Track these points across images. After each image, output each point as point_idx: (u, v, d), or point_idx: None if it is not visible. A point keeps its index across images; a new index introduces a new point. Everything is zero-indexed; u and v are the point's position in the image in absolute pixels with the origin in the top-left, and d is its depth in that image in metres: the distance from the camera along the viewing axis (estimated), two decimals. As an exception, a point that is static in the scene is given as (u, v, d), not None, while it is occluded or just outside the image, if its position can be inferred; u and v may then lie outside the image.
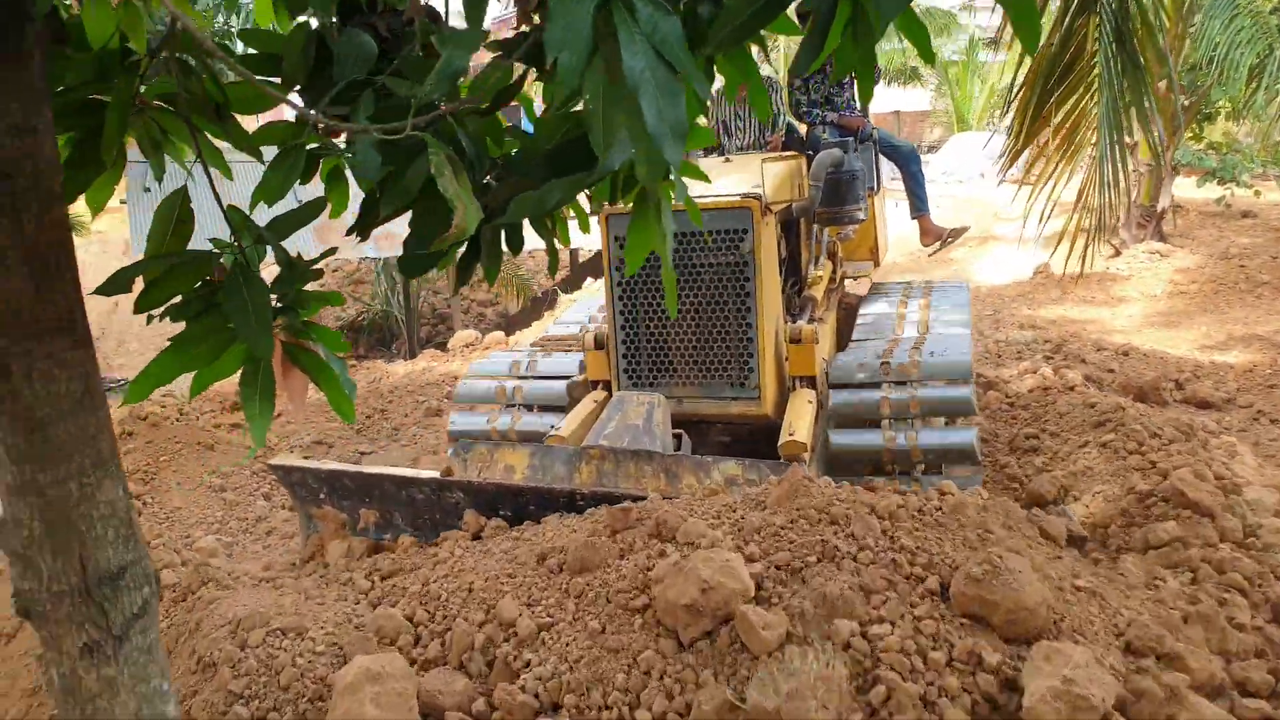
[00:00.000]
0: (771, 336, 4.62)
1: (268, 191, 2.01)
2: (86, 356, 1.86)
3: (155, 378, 1.91)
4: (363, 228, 1.98)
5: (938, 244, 6.58)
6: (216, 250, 1.99)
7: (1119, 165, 5.02)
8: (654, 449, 4.07)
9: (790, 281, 5.34)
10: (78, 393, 1.82)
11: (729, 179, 4.82)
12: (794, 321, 4.95)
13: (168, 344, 1.99)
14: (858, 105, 6.49)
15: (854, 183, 5.45)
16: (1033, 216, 5.51)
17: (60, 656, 1.88)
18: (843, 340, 5.76)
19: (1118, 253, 11.84)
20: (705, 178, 2.05)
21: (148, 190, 9.46)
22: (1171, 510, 3.59)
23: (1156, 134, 5.39)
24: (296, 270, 2.08)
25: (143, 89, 2.03)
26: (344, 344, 2.22)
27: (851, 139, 5.79)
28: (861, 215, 5.60)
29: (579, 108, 1.84)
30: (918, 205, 6.71)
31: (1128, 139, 12.02)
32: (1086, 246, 5.47)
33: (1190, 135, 12.73)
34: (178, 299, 1.98)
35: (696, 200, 4.28)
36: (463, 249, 2.03)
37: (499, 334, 10.26)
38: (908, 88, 24.45)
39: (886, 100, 27.13)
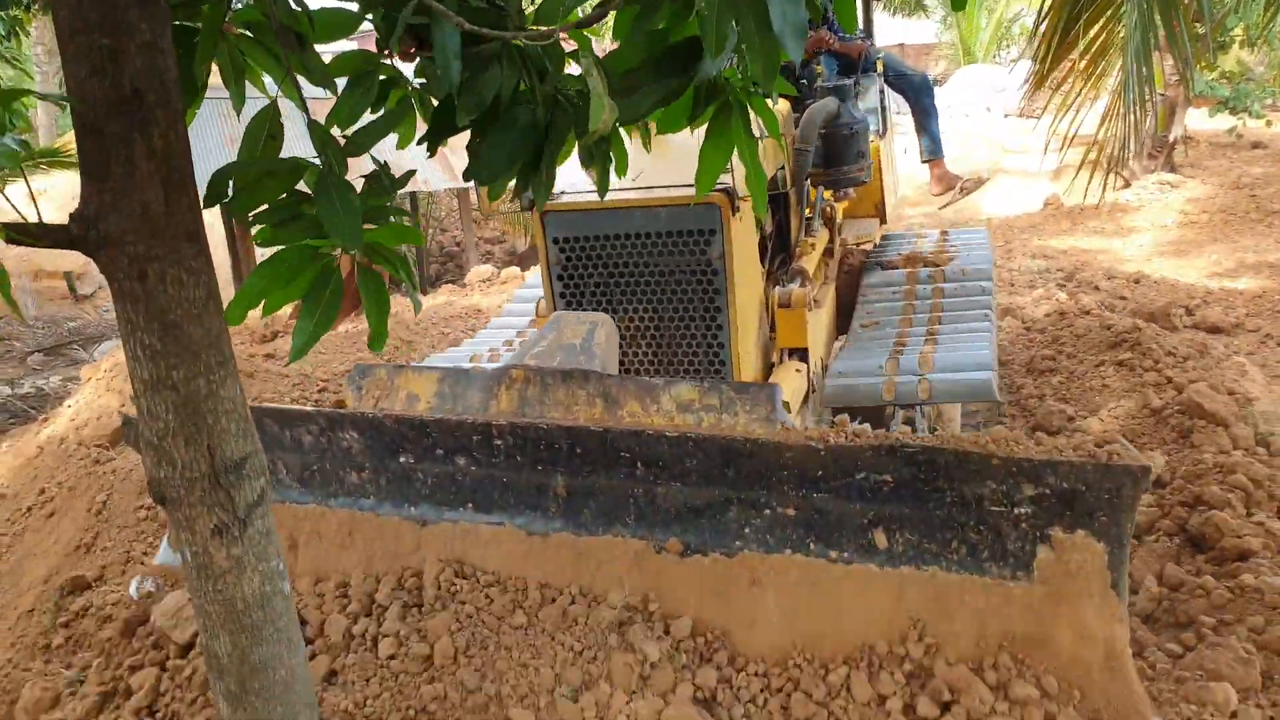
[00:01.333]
0: (749, 351, 3.87)
1: (340, 116, 2.14)
2: (208, 264, 2.01)
3: (248, 299, 2.05)
4: (434, 139, 2.12)
5: (950, 195, 5.89)
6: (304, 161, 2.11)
7: (1144, 92, 4.96)
8: (590, 369, 3.27)
9: (778, 259, 4.54)
10: (203, 297, 1.98)
11: (686, 163, 3.14)
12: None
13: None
14: (860, 27, 5.51)
15: (853, 138, 4.55)
16: (1043, 149, 5.36)
17: (193, 537, 2.08)
18: (844, 312, 5.02)
19: (1127, 184, 11.92)
20: (795, 91, 2.04)
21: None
22: (1188, 421, 3.79)
23: (1185, 60, 5.25)
24: (383, 180, 2.21)
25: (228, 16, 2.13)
26: (410, 272, 2.35)
27: (850, 82, 4.74)
28: (864, 177, 4.75)
29: (662, 27, 1.97)
30: (930, 147, 5.88)
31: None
32: (1109, 173, 5.39)
33: (1203, 64, 12.67)
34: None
35: (652, 194, 3.69)
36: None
37: (515, 269, 10.38)
38: (912, 18, 24.01)
39: (890, 32, 26.73)
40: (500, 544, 2.91)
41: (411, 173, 2.27)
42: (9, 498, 4.72)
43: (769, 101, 1.99)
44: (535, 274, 5.98)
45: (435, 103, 2.13)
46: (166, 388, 1.96)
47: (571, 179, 3.93)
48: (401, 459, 3.07)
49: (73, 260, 13.44)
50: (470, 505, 3.01)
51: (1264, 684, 2.58)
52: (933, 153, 5.88)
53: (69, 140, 9.86)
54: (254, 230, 2.13)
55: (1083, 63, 5.29)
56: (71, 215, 1.88)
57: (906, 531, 2.47)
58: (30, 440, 5.42)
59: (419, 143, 2.16)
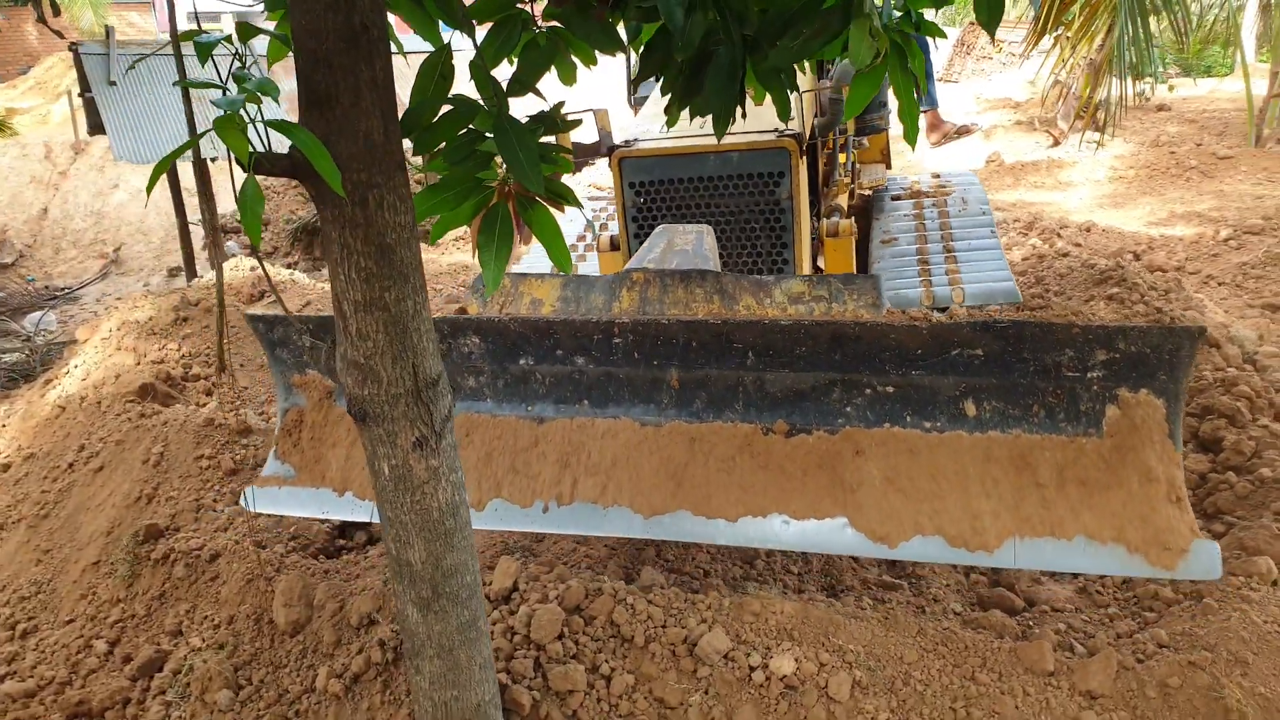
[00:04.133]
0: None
1: (485, 59, 2.29)
2: (411, 193, 2.16)
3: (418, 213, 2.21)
4: (643, 78, 2.31)
5: (943, 139, 6.56)
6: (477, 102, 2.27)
7: (1142, 45, 5.28)
8: (706, 269, 3.46)
9: (812, 202, 4.82)
10: (411, 223, 2.14)
11: (755, 111, 3.79)
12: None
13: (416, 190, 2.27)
14: None
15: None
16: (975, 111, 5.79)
17: (394, 451, 2.24)
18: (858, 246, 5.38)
19: (1057, 142, 12.58)
20: (943, 33, 2.29)
21: (113, 84, 9.22)
22: (1186, 344, 4.20)
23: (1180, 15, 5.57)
24: (549, 117, 2.38)
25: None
26: (576, 200, 2.53)
27: None
28: (884, 124, 5.40)
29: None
30: (926, 97, 6.46)
31: (1066, 34, 12.55)
32: (1103, 129, 5.75)
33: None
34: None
35: (711, 145, 4.06)
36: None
37: (464, 257, 10.42)
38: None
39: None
40: (616, 435, 3.09)
41: (561, 103, 2.42)
42: (40, 456, 4.70)
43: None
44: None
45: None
46: (379, 308, 2.11)
47: (644, 126, 4.29)
48: (521, 361, 3.21)
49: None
50: (586, 402, 3.17)
51: (1298, 556, 2.98)
52: (929, 102, 6.52)
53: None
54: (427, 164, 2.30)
55: (1082, 15, 5.60)
56: (293, 145, 2.00)
57: (993, 400, 2.76)
58: (40, 402, 5.37)
59: (633, 83, 2.33)
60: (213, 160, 9.01)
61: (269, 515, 3.74)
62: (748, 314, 3.24)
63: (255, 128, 1.89)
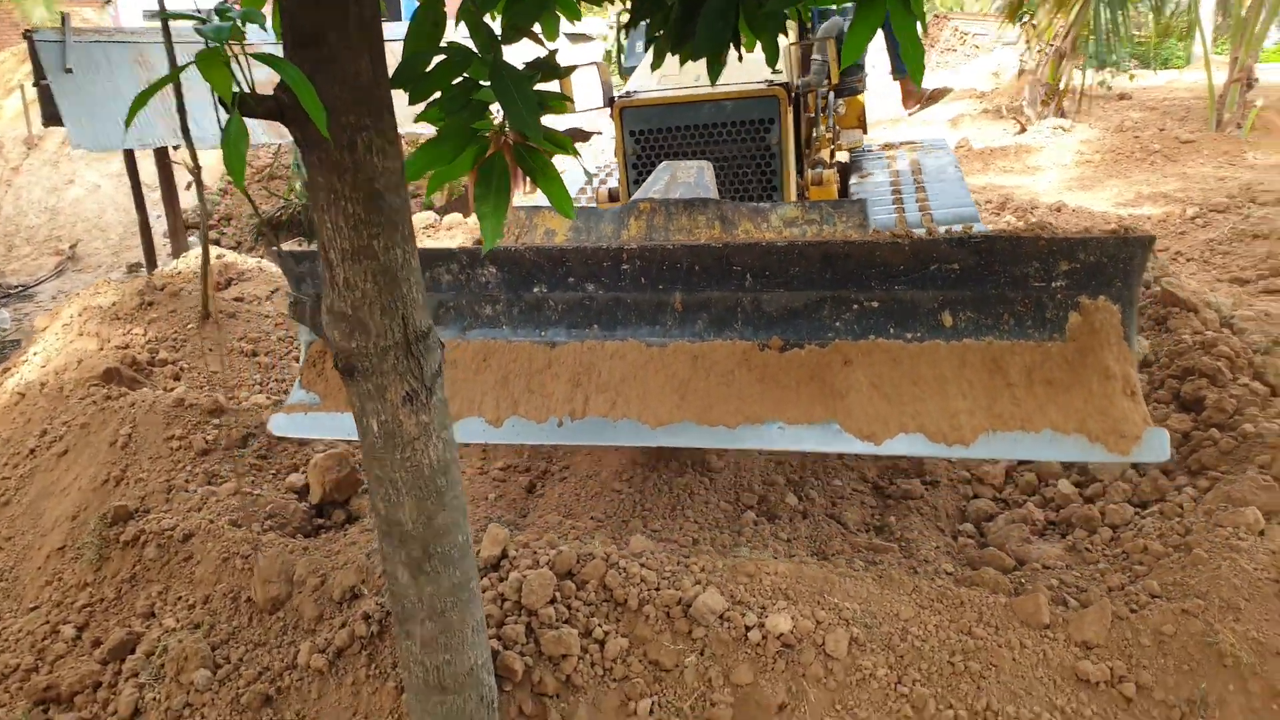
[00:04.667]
0: None
1: (476, 3, 2.24)
2: (399, 139, 2.10)
3: (413, 171, 2.16)
4: (634, 23, 2.26)
5: (918, 105, 6.72)
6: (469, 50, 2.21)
7: (1104, 35, 5.51)
8: (708, 198, 3.74)
9: (800, 152, 5.16)
10: (400, 169, 2.08)
11: (746, 67, 4.29)
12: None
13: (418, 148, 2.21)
14: None
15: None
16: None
17: (384, 405, 2.17)
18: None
19: (1023, 128, 12.71)
20: None
21: (69, 71, 8.98)
22: (1163, 310, 4.24)
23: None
24: (546, 63, 2.32)
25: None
26: (572, 147, 2.48)
27: (852, 5, 5.52)
28: (862, 87, 5.68)
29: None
30: (899, 66, 6.43)
31: (1033, 22, 12.69)
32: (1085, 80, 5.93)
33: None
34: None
35: (706, 94, 4.43)
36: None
37: (457, 215, 10.33)
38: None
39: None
40: (624, 356, 3.31)
41: (573, 67, 2.39)
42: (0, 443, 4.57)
43: None
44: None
45: None
46: (367, 256, 2.05)
47: (643, 79, 4.65)
48: (535, 289, 3.41)
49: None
50: (596, 326, 3.38)
51: (1284, 507, 3.00)
52: (901, 70, 6.53)
53: None
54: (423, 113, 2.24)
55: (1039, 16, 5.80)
56: (280, 85, 1.93)
57: (968, 310, 3.00)
58: (-3, 390, 5.22)
59: (623, 29, 2.30)
60: (175, 148, 8.83)
61: (291, 439, 3.79)
62: (746, 237, 3.50)
63: (239, 66, 1.83)
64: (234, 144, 1.80)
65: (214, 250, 7.41)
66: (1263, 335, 4.03)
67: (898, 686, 2.55)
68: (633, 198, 3.90)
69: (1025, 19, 12.91)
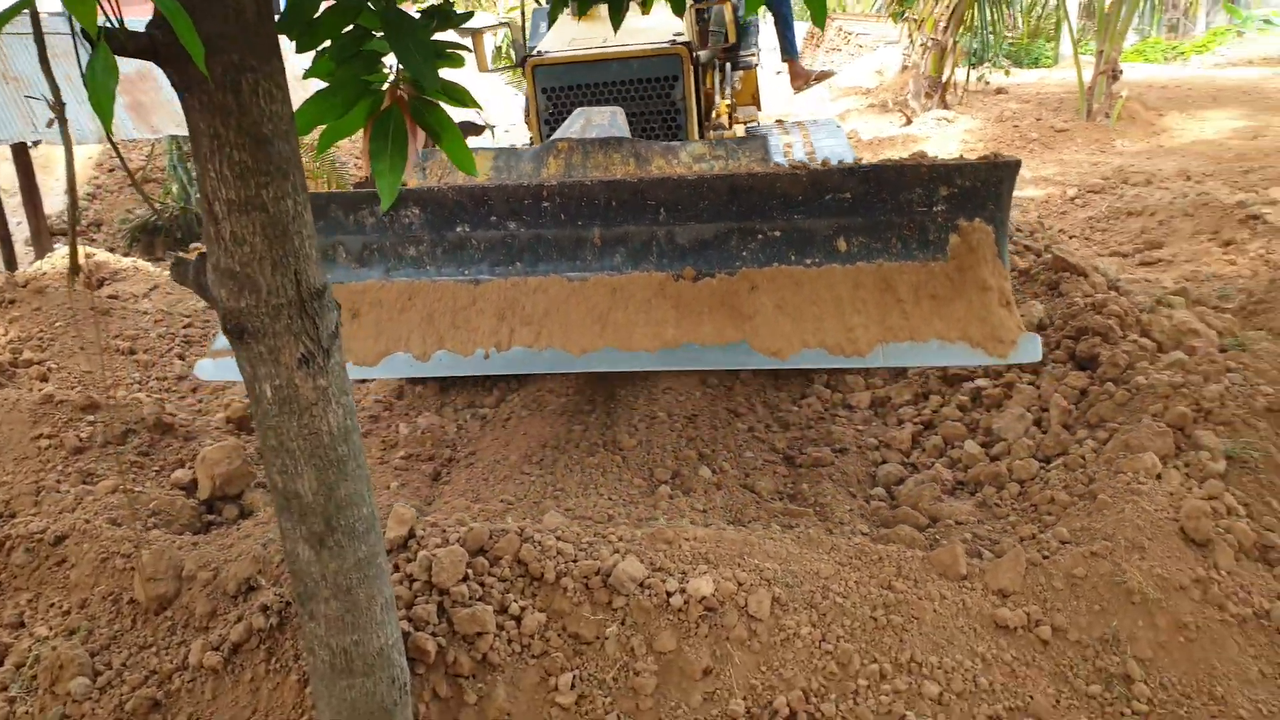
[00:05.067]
0: None
1: None
2: (287, 83, 1.97)
3: (303, 125, 2.04)
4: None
5: (805, 85, 7.05)
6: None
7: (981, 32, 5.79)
8: (623, 137, 4.00)
9: (699, 121, 5.43)
10: (289, 115, 1.95)
11: (649, 29, 4.93)
12: None
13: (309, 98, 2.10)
14: None
15: (748, 28, 5.88)
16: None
17: (278, 370, 2.03)
18: None
19: (909, 120, 13.05)
20: None
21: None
22: (1054, 275, 4.36)
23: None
24: (440, 14, 2.22)
25: None
26: (472, 100, 2.38)
27: None
28: (755, 60, 6.03)
29: None
30: (788, 49, 6.95)
31: (913, 16, 13.06)
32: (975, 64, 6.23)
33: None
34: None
35: (614, 52, 4.67)
36: None
37: None
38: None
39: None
40: (546, 290, 3.49)
41: (470, 14, 2.29)
42: None
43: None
44: None
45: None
46: (256, 208, 1.91)
47: (555, 42, 4.90)
48: (459, 228, 3.55)
49: None
50: (519, 263, 3.54)
51: (1176, 451, 3.09)
52: (790, 53, 7.05)
53: None
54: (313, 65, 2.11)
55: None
56: (153, 21, 1.79)
57: (860, 236, 3.33)
58: None
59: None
60: (34, 145, 8.30)
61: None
62: (659, 173, 3.73)
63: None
64: (101, 81, 1.63)
65: (86, 249, 6.98)
66: (1147, 296, 4.19)
67: (822, 644, 2.52)
68: (550, 138, 4.08)
69: (907, 15, 13.29)
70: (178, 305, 5.88)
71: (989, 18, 12.38)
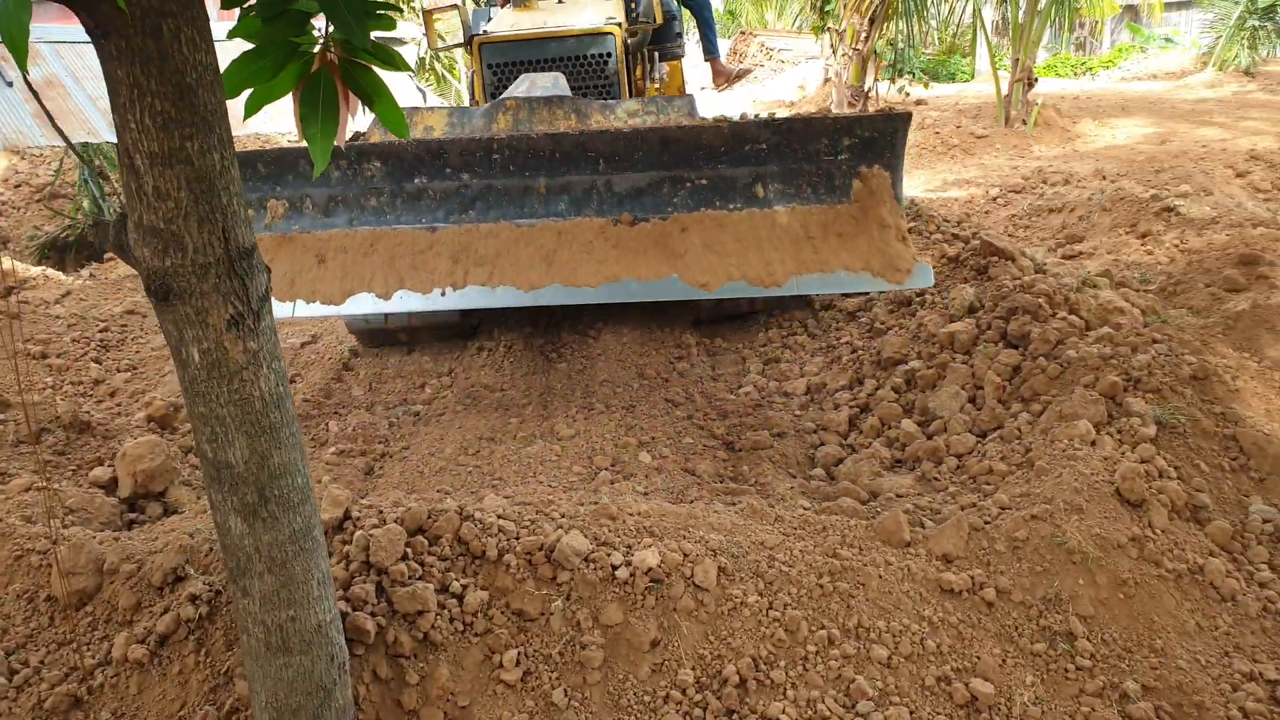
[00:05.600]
0: None
1: None
2: (211, 32, 1.89)
3: (229, 89, 1.97)
4: None
5: (727, 84, 7.34)
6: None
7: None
8: (565, 96, 4.39)
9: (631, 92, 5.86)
10: (214, 65, 1.87)
11: (585, 12, 5.46)
12: None
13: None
14: None
15: (673, 21, 6.30)
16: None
17: (205, 332, 1.95)
18: None
19: (832, 129, 13.27)
20: None
21: None
22: (983, 260, 4.44)
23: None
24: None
25: None
26: (404, 63, 2.33)
27: None
28: (681, 51, 6.49)
29: None
30: (710, 49, 7.35)
31: (834, 28, 13.30)
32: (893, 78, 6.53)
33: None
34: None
35: (554, 31, 5.16)
36: None
37: None
38: None
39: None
40: (497, 235, 3.87)
41: None
42: None
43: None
44: None
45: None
46: (180, 161, 1.83)
47: (499, 24, 5.38)
48: (416, 180, 3.92)
49: None
50: (472, 212, 3.91)
51: (1109, 418, 3.16)
52: (711, 52, 7.43)
53: None
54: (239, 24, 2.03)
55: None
56: (68, -39, 1.71)
57: (776, 183, 3.79)
58: None
59: None
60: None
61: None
62: (598, 127, 4.14)
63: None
64: (14, 15, 1.55)
65: (-8, 255, 6.69)
66: (1073, 278, 4.29)
67: (769, 611, 2.50)
68: (499, 97, 4.44)
69: (829, 27, 13.53)
70: (92, 310, 5.66)
71: (909, 31, 12.70)
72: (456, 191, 3.89)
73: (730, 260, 3.68)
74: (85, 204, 12.68)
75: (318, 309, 3.87)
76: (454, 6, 5.63)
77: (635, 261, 3.73)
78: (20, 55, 1.53)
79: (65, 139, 1.88)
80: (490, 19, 5.92)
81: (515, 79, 4.98)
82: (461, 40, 5.49)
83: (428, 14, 6.09)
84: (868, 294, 5.09)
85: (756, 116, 4.25)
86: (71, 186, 13.08)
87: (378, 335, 5.36)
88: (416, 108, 4.49)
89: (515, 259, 3.80)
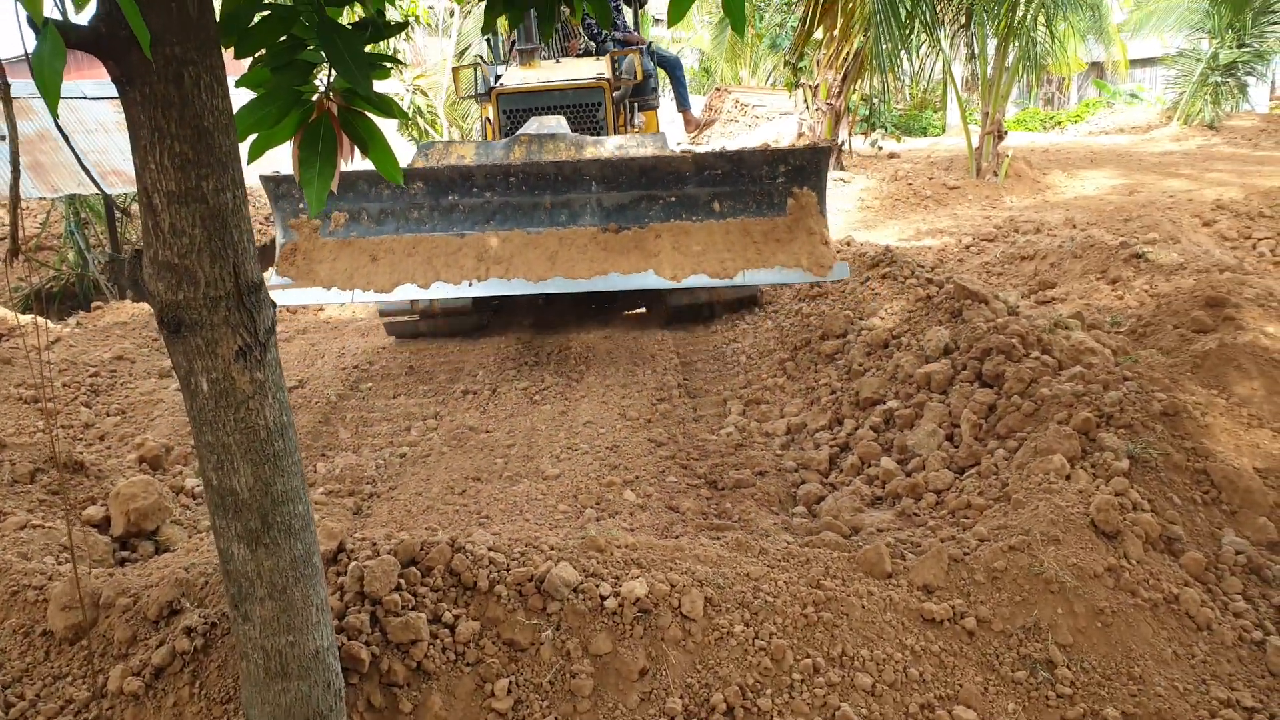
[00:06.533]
0: None
1: None
2: (226, 78, 2.00)
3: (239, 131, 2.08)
4: None
5: (697, 131, 8.40)
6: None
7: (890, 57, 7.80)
8: (567, 133, 5.71)
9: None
10: (229, 110, 1.98)
11: (577, 69, 7.02)
12: None
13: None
14: (632, 27, 8.78)
15: (649, 78, 7.70)
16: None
17: (215, 363, 2.03)
18: None
19: (809, 180, 13.56)
20: None
21: None
22: (957, 303, 4.58)
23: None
24: (374, 25, 2.29)
25: None
26: (400, 111, 2.45)
27: (649, 43, 8.21)
28: (656, 102, 8.18)
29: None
30: (682, 102, 9.10)
31: (808, 83, 13.65)
32: (866, 132, 7.80)
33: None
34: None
35: (557, 84, 6.88)
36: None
37: None
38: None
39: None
40: (511, 240, 5.38)
41: (404, 24, 2.36)
42: None
43: None
44: None
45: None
46: (195, 199, 1.93)
47: (512, 77, 6.96)
48: (450, 198, 5.44)
49: None
50: (493, 222, 5.43)
51: (1083, 453, 3.27)
52: (683, 105, 9.21)
53: None
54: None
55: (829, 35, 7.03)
56: (97, 14, 1.82)
57: (729, 200, 5.31)
58: None
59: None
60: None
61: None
62: (592, 156, 5.41)
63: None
64: (48, 62, 1.65)
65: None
66: (1045, 320, 4.43)
67: (755, 641, 2.57)
68: (518, 132, 5.77)
69: (803, 82, 13.89)
70: (82, 356, 5.70)
71: (882, 86, 13.08)
72: (481, 206, 5.34)
73: (694, 259, 5.08)
74: (70, 256, 12.70)
75: (371, 296, 5.29)
76: (475, 65, 7.10)
77: (619, 261, 5.15)
78: (52, 100, 1.63)
79: (93, 178, 1.96)
80: (499, 74, 7.38)
81: (525, 121, 6.19)
82: (473, 91, 6.98)
83: (455, 70, 7.68)
84: (821, 304, 6.22)
85: (713, 150, 5.72)
86: (58, 239, 13.12)
87: (406, 327, 6.68)
88: (452, 140, 6.31)
89: (526, 258, 5.21)
